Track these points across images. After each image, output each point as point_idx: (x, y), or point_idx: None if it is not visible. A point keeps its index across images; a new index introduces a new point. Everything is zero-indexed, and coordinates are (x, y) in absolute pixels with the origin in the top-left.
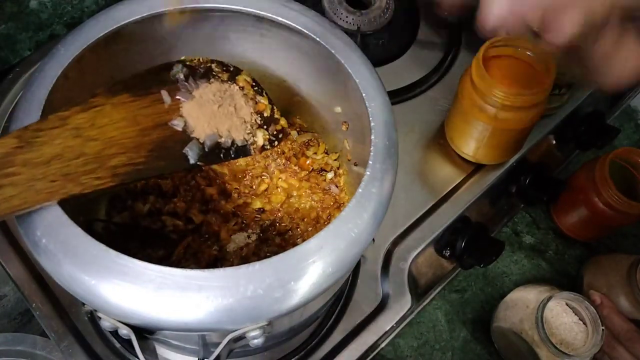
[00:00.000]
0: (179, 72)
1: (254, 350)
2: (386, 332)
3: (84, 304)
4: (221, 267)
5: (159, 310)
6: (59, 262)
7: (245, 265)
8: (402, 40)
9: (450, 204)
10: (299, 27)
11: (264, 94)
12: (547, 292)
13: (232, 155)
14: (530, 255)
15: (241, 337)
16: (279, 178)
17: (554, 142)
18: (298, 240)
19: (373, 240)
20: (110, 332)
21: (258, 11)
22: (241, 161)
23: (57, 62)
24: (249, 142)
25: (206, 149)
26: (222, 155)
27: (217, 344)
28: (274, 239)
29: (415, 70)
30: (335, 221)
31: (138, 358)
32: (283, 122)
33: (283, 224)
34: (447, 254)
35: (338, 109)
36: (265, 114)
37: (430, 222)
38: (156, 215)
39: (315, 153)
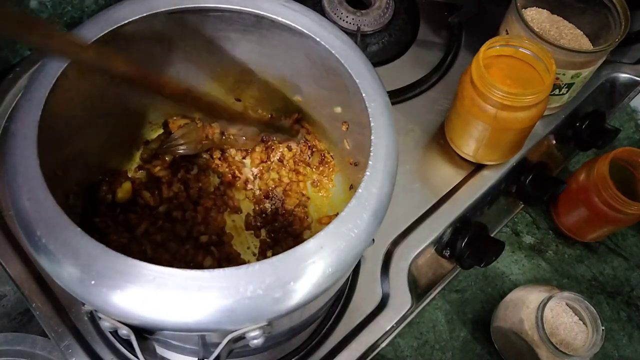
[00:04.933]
0: None
1: (254, 351)
2: (386, 332)
3: (84, 304)
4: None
5: (159, 310)
6: (59, 262)
7: (245, 265)
8: (402, 40)
9: (450, 204)
10: (299, 27)
11: None
12: (547, 292)
13: None
14: (530, 255)
15: (241, 337)
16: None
17: (554, 142)
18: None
19: (373, 240)
20: (110, 332)
21: (258, 11)
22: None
23: (57, 62)
24: None
25: None
26: None
27: (217, 344)
28: (286, 240)
29: (415, 70)
30: (335, 221)
31: (138, 358)
32: None
33: (295, 227)
34: (447, 254)
35: (338, 109)
36: None
37: (430, 222)
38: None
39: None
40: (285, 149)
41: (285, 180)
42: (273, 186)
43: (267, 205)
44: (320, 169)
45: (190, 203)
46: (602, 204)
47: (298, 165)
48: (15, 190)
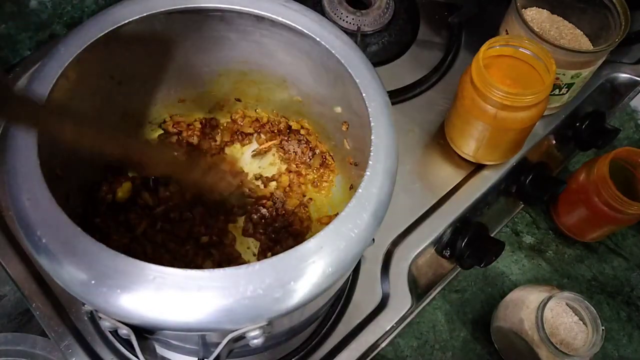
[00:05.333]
0: None
1: (254, 350)
2: (386, 332)
3: (84, 304)
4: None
5: (159, 310)
6: (59, 262)
7: (245, 265)
8: (402, 40)
9: (450, 204)
10: (299, 27)
11: None
12: (547, 292)
13: None
14: (530, 255)
15: (241, 337)
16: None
17: (554, 142)
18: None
19: (373, 240)
20: (110, 332)
21: (258, 11)
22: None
23: (57, 62)
24: None
25: None
26: None
27: (217, 344)
28: (287, 240)
29: (415, 70)
30: (335, 221)
31: (138, 358)
32: None
33: (295, 227)
34: (447, 254)
35: (338, 109)
36: None
37: (430, 222)
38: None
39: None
40: (282, 152)
41: (286, 182)
42: (274, 188)
43: (269, 204)
44: (321, 170)
45: (186, 204)
46: (602, 204)
47: (299, 167)
48: (15, 190)
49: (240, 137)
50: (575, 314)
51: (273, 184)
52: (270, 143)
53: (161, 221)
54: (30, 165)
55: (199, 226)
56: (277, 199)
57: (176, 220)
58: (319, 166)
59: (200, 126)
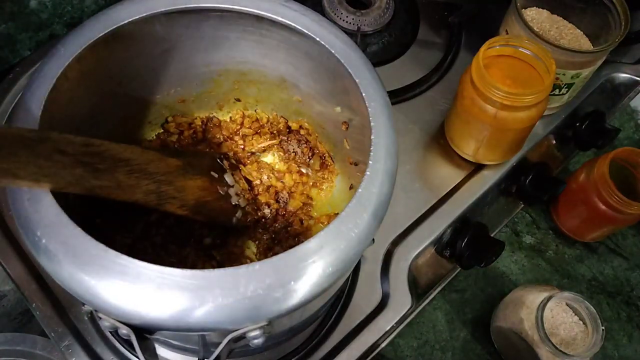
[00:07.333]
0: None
1: (254, 350)
2: (386, 332)
3: (84, 304)
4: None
5: (159, 310)
6: (59, 262)
7: (245, 265)
8: (402, 40)
9: (450, 204)
10: (299, 27)
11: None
12: (547, 292)
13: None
14: (530, 255)
15: (241, 337)
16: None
17: (554, 142)
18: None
19: (373, 240)
20: (110, 332)
21: (258, 11)
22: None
23: (57, 62)
24: None
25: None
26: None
27: (217, 344)
28: (287, 240)
29: (415, 70)
30: (335, 221)
31: (138, 358)
32: None
33: (295, 227)
34: (447, 254)
35: (338, 109)
36: None
37: (430, 222)
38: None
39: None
40: (282, 152)
41: (291, 182)
42: (281, 189)
43: (275, 205)
44: (321, 170)
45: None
46: (602, 204)
47: (300, 167)
48: (15, 190)
49: (239, 137)
50: (575, 314)
51: (279, 184)
52: (269, 143)
53: (156, 227)
54: None
55: (200, 229)
56: (281, 199)
57: (174, 224)
58: (319, 166)
59: (200, 125)
